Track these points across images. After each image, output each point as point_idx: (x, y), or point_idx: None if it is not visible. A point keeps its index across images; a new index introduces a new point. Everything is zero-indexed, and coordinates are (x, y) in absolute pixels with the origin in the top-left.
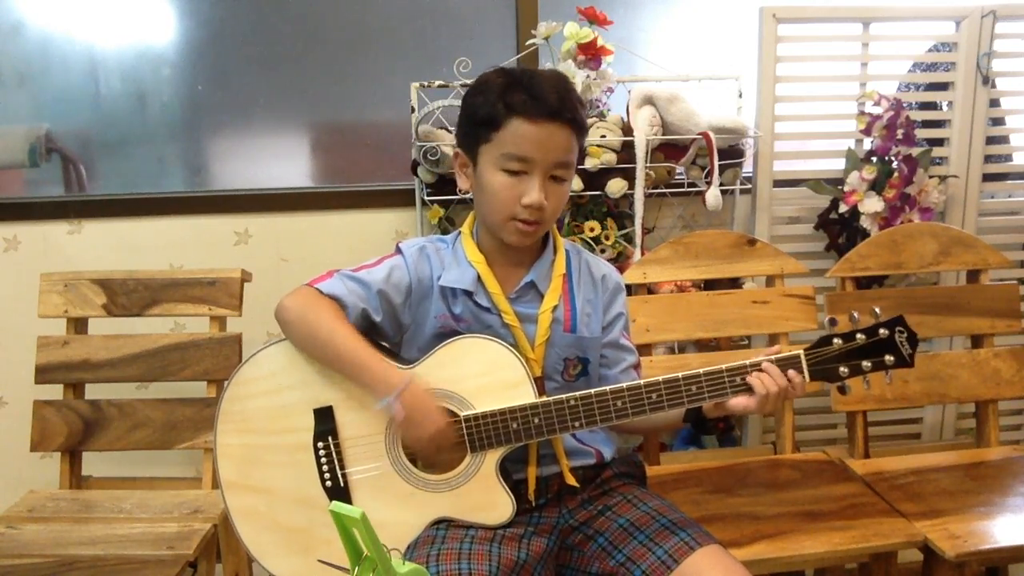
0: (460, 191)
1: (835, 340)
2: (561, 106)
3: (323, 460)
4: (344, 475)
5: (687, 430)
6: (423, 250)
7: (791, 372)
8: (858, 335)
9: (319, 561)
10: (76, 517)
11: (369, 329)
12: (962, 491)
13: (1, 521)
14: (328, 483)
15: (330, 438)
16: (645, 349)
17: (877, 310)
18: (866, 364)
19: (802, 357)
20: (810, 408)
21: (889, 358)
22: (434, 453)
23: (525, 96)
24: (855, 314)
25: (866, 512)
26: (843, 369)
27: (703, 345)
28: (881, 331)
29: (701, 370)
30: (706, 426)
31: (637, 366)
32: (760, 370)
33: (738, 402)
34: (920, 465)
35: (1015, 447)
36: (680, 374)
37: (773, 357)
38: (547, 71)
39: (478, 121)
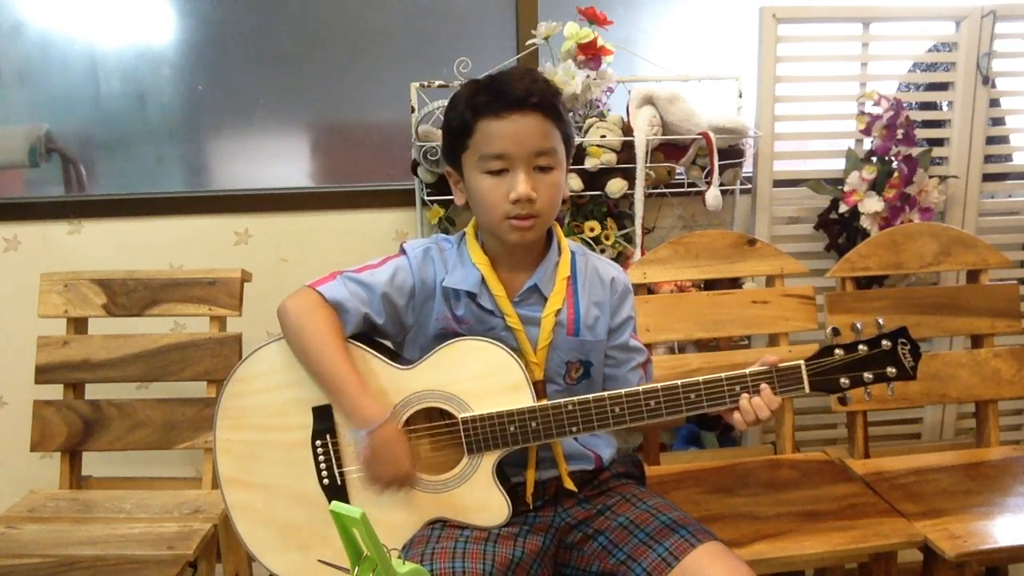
0: (458, 206)
1: (837, 351)
2: (526, 94)
3: (321, 458)
4: (342, 473)
5: (687, 429)
6: (427, 251)
7: (765, 393)
8: (860, 346)
9: (319, 561)
10: (76, 517)
11: (371, 330)
12: (962, 491)
13: (1, 521)
14: (325, 481)
15: (328, 436)
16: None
17: (880, 321)
18: (868, 376)
19: (803, 367)
20: (810, 408)
21: (891, 370)
22: (385, 490)
23: (487, 96)
24: (858, 324)
25: (866, 512)
26: (844, 380)
27: (703, 345)
28: (884, 343)
29: (700, 379)
30: (707, 422)
31: (646, 363)
32: (752, 391)
33: (728, 417)
34: (920, 465)
35: (1015, 447)
36: (679, 382)
37: (774, 369)
38: (515, 67)
39: (454, 133)
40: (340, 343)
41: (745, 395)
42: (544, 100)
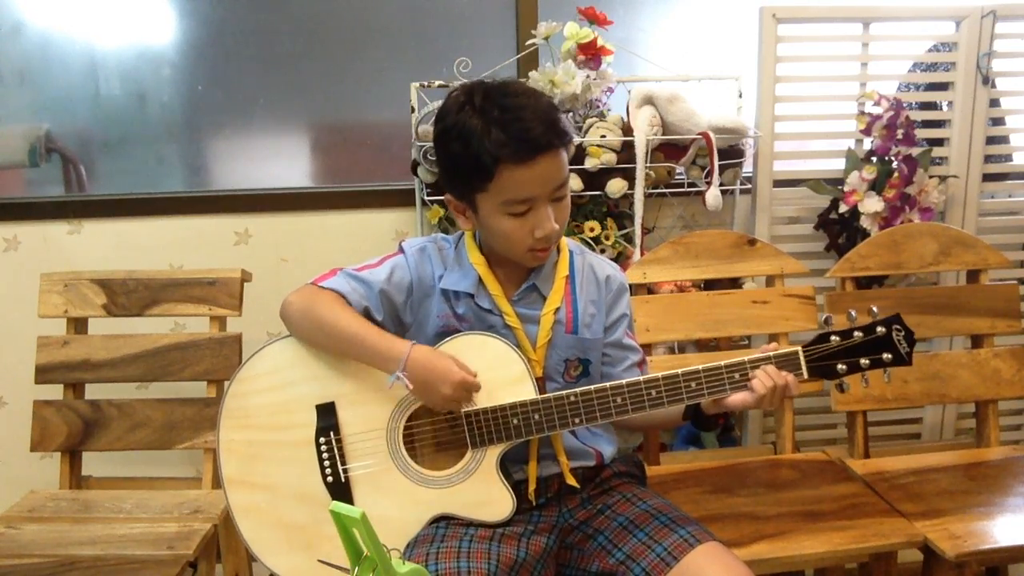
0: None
1: (833, 337)
2: (547, 136)
3: (325, 456)
4: (345, 471)
5: (687, 429)
6: (424, 249)
7: (788, 375)
8: (855, 332)
9: (319, 561)
10: (76, 517)
11: None
12: (962, 491)
13: (1, 521)
14: (329, 479)
15: (332, 434)
16: (645, 349)
17: (874, 308)
18: (864, 361)
19: (800, 354)
20: (810, 408)
21: (887, 356)
22: (461, 401)
23: (506, 138)
24: (852, 312)
25: (866, 512)
26: (841, 366)
27: (703, 345)
28: (879, 329)
29: (700, 367)
30: (705, 422)
31: (641, 363)
32: (760, 369)
33: (736, 398)
34: (920, 465)
35: (1015, 447)
36: (680, 370)
37: (771, 354)
38: (519, 93)
39: (466, 171)
40: (350, 309)
41: (755, 371)
42: (562, 138)
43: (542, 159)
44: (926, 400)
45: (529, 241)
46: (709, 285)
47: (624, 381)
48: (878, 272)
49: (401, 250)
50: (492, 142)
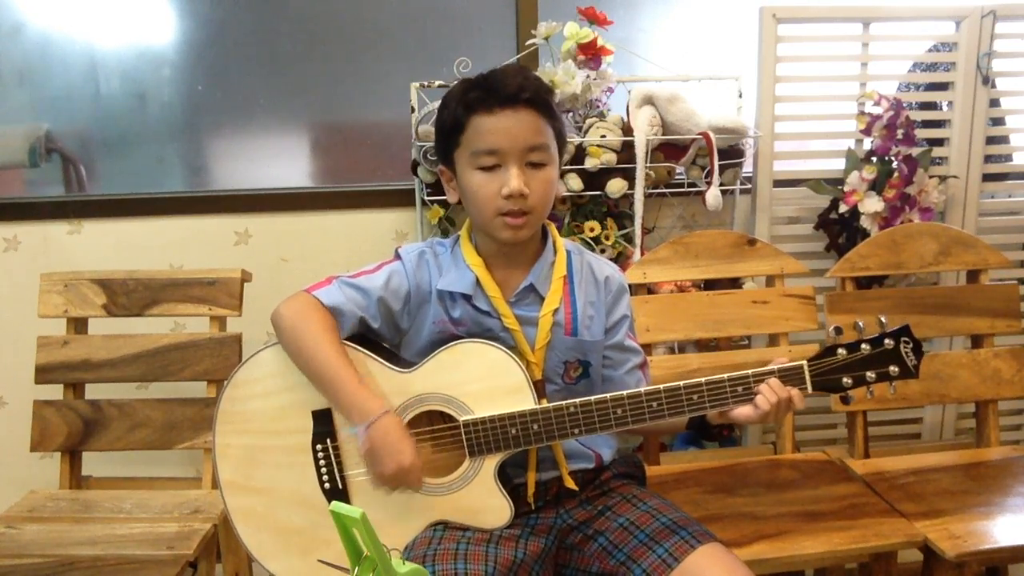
0: (453, 205)
1: (839, 351)
2: (517, 90)
3: (322, 462)
4: (343, 477)
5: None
6: (422, 255)
7: (792, 389)
8: (863, 345)
9: (319, 561)
10: (76, 517)
11: (367, 333)
12: (962, 491)
13: (1, 521)
14: (327, 485)
15: (329, 440)
16: (645, 349)
17: (883, 319)
18: (870, 375)
19: (805, 368)
20: (810, 408)
21: (894, 369)
22: (397, 486)
23: (479, 92)
24: (860, 323)
25: (866, 512)
26: (846, 380)
27: (703, 345)
28: (886, 342)
29: (703, 379)
30: (710, 433)
31: (643, 365)
32: (764, 383)
33: (741, 412)
34: (920, 465)
35: (1015, 447)
36: (682, 383)
37: (776, 368)
38: (508, 65)
39: (446, 131)
40: (336, 342)
41: (759, 386)
42: (536, 96)
43: (510, 111)
44: (926, 400)
45: (497, 202)
46: (709, 285)
47: (624, 393)
48: (878, 272)
49: (398, 256)
50: (467, 97)
